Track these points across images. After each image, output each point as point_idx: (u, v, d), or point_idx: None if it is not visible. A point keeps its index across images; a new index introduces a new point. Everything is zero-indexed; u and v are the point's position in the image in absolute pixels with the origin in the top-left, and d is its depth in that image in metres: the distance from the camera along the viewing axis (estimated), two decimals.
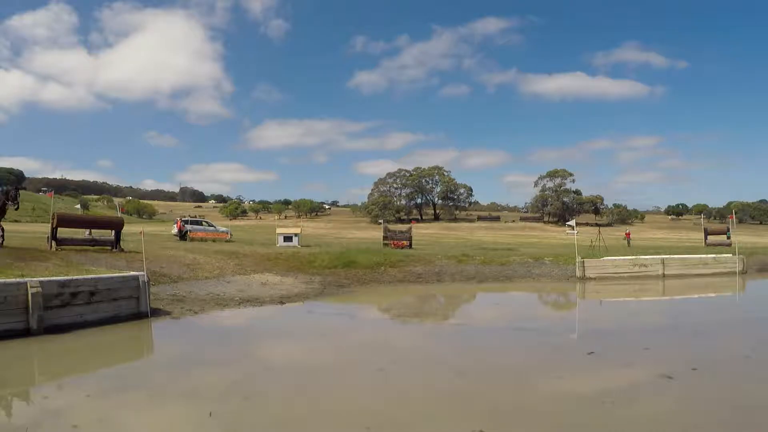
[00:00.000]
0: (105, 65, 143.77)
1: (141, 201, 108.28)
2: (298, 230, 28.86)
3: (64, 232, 17.02)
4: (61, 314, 8.89)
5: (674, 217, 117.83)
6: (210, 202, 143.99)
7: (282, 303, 12.89)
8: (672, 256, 21.88)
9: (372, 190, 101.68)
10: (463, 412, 5.26)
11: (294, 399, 5.74)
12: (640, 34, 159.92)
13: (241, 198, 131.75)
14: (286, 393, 6.00)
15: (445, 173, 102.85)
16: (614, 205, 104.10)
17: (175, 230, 31.01)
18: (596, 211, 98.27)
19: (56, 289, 8.89)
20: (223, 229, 35.00)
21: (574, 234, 26.01)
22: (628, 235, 44.51)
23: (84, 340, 8.49)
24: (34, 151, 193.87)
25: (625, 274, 19.47)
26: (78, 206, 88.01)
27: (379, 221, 39.78)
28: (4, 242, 14.17)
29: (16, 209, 14.77)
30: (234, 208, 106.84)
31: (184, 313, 10.80)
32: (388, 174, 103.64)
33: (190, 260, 16.53)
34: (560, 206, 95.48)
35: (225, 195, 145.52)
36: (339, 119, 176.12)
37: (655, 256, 21.26)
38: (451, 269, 19.23)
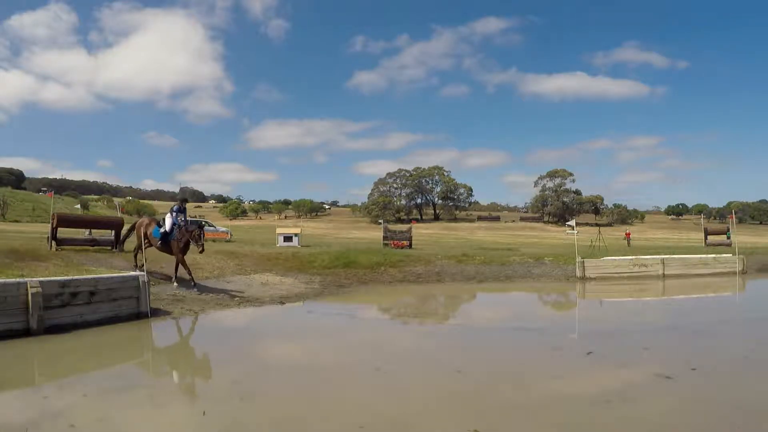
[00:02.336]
0: (105, 65, 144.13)
1: (141, 201, 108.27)
2: (298, 230, 28.87)
3: (64, 232, 17.03)
4: (61, 314, 8.90)
5: (674, 217, 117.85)
6: (210, 202, 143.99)
7: (282, 303, 12.90)
8: (672, 256, 21.88)
9: (372, 190, 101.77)
10: (460, 411, 5.27)
11: (292, 398, 5.75)
12: (640, 34, 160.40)
13: (241, 198, 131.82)
14: (284, 393, 6.01)
15: (445, 173, 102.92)
16: (614, 205, 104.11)
17: None
18: (596, 211, 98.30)
19: (56, 289, 8.90)
20: (223, 229, 35.04)
21: (574, 234, 26.03)
22: (628, 235, 44.57)
23: (84, 340, 8.49)
24: (34, 151, 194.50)
25: (625, 274, 19.48)
26: (78, 206, 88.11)
27: (379, 221, 39.79)
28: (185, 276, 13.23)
29: (201, 252, 13.48)
30: (234, 208, 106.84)
31: (184, 313, 10.80)
32: (388, 174, 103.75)
33: (190, 260, 16.48)
34: (560, 206, 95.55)
35: (225, 195, 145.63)
36: (339, 119, 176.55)
37: (655, 256, 21.26)
38: (451, 269, 19.24)
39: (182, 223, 13.40)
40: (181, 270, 13.43)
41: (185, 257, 13.48)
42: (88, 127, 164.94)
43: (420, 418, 5.06)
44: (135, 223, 14.71)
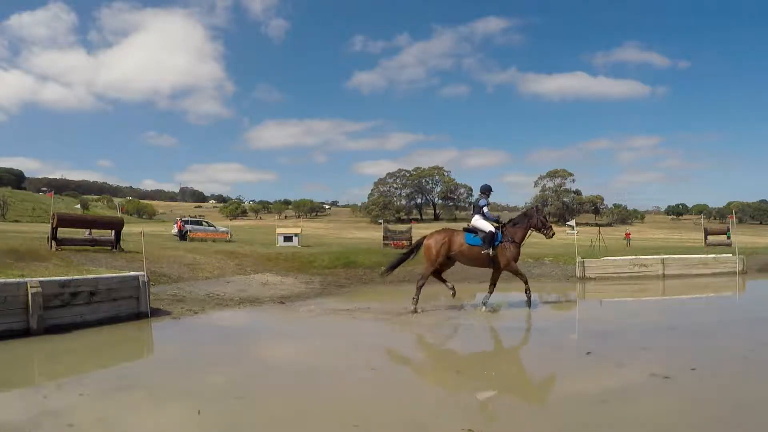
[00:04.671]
0: (104, 65, 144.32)
1: (141, 201, 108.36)
2: (298, 230, 28.94)
3: (64, 232, 17.06)
4: (61, 314, 8.91)
5: (674, 217, 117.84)
6: (210, 202, 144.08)
7: (282, 303, 12.90)
8: (672, 256, 21.88)
9: (372, 190, 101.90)
10: (457, 411, 5.27)
11: (289, 398, 5.76)
12: (640, 34, 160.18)
13: (241, 198, 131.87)
14: (282, 392, 6.02)
15: (445, 173, 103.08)
16: (614, 205, 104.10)
17: (175, 230, 31.13)
18: (596, 211, 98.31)
19: (56, 289, 8.91)
20: (223, 229, 35.12)
21: (574, 234, 26.01)
22: (628, 235, 44.64)
23: (84, 340, 8.51)
24: (34, 151, 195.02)
25: (625, 274, 19.47)
26: (78, 206, 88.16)
27: (379, 221, 39.81)
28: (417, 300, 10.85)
29: (551, 236, 11.04)
30: (234, 208, 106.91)
31: (184, 313, 10.81)
32: (388, 174, 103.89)
33: (190, 260, 16.55)
34: (560, 206, 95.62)
35: (225, 195, 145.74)
36: (339, 119, 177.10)
37: (655, 256, 21.25)
38: (451, 269, 19.21)
39: (501, 219, 11.06)
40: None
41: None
42: (88, 127, 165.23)
43: (416, 417, 5.07)
44: (419, 242, 11.64)
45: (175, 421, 5.10)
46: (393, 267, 12.07)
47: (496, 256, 10.89)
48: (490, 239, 10.76)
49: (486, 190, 11.32)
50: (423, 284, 11.19)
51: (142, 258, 12.41)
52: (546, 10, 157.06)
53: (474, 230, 11.06)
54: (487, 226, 10.88)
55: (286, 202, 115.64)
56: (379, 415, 5.17)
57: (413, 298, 11.06)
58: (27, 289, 8.42)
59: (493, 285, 11.33)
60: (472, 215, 11.23)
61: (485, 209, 11.00)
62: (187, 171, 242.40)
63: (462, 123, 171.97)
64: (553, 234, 11.06)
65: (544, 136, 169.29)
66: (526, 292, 11.16)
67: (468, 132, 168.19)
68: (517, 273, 11.21)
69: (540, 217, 10.98)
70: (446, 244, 11.01)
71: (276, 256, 19.25)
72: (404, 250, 12.19)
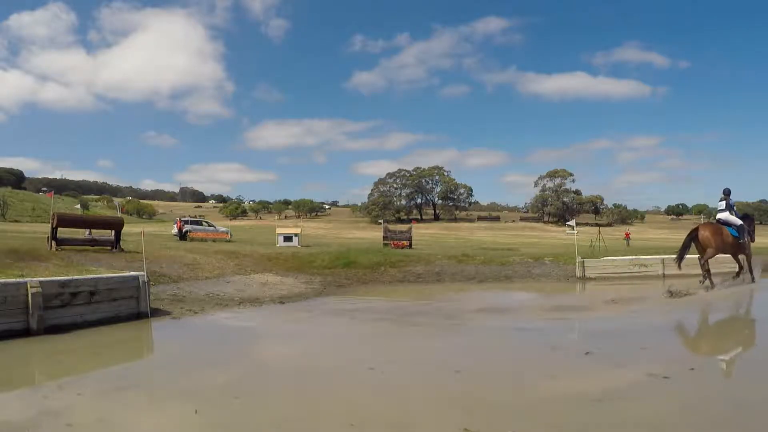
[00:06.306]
0: (104, 65, 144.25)
1: (141, 201, 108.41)
2: (298, 230, 28.96)
3: (64, 232, 17.06)
4: (61, 314, 8.92)
5: (674, 217, 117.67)
6: (210, 202, 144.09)
7: (282, 303, 12.91)
8: (672, 256, 21.81)
9: (372, 190, 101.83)
10: (455, 411, 5.27)
11: (287, 398, 5.78)
12: (640, 34, 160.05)
13: (241, 198, 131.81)
14: (280, 392, 6.03)
15: (445, 173, 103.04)
16: (614, 205, 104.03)
17: (175, 230, 31.10)
18: (596, 211, 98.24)
19: (56, 289, 8.92)
20: (223, 229, 35.07)
21: (573, 234, 26.02)
22: (627, 235, 44.66)
23: (84, 340, 8.52)
24: (34, 151, 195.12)
25: (625, 274, 19.47)
26: (78, 206, 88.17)
27: (379, 221, 39.87)
28: None
29: (754, 239, 13.82)
30: (234, 209, 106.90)
31: (184, 313, 10.82)
32: (388, 174, 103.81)
33: (190, 260, 16.56)
34: (560, 206, 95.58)
35: (225, 195, 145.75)
36: (339, 119, 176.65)
37: (655, 256, 21.23)
38: (451, 269, 19.25)
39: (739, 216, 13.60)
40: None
41: None
42: (88, 127, 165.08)
43: (413, 417, 5.08)
44: (692, 233, 13.87)
45: (174, 421, 5.10)
46: (681, 258, 14.01)
47: (743, 243, 13.41)
48: (742, 231, 13.32)
49: (729, 193, 13.79)
50: (709, 267, 13.32)
51: (142, 258, 12.41)
52: (546, 10, 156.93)
53: (726, 224, 13.53)
54: (737, 221, 13.46)
55: (286, 202, 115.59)
56: (377, 415, 5.18)
57: (705, 279, 13.37)
58: (27, 289, 8.43)
59: (740, 266, 13.74)
60: (722, 211, 13.78)
61: (735, 208, 13.77)
62: (187, 171, 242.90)
63: (462, 123, 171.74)
64: (754, 240, 13.81)
65: (544, 136, 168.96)
66: (739, 273, 13.68)
67: (468, 132, 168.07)
68: (749, 258, 13.63)
69: (753, 222, 13.98)
70: (721, 235, 13.26)
71: (276, 256, 19.27)
72: (683, 243, 14.17)
